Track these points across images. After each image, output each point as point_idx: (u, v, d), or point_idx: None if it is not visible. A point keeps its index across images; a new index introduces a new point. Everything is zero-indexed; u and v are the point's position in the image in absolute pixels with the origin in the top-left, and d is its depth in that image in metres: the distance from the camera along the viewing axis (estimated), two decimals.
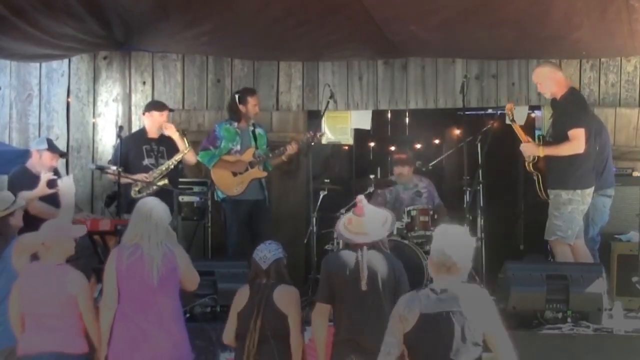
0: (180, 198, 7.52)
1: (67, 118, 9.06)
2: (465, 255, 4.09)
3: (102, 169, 7.91)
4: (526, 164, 7.18)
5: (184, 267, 5.27)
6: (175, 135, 7.87)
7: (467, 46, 8.40)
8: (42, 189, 6.97)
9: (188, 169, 8.42)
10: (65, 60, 9.00)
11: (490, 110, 9.09)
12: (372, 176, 8.17)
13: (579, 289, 6.37)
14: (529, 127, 8.69)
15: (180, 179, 8.17)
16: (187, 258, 5.34)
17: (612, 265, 7.66)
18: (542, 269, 6.56)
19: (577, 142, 6.86)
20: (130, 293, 5.14)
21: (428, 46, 8.50)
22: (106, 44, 8.57)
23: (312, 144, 8.00)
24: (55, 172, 7.31)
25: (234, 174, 7.95)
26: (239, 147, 8.03)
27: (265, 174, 8.07)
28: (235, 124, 8.06)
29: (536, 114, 9.13)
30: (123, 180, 7.57)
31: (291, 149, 7.96)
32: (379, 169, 9.93)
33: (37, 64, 8.98)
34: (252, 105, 8.07)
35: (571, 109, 7.00)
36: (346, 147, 9.78)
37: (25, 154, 7.73)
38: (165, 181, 7.71)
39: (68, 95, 9.08)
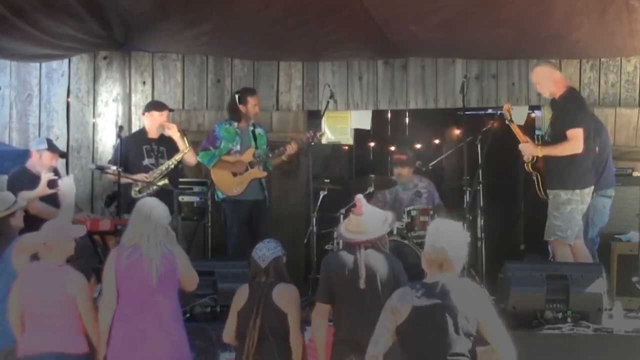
0: (180, 198, 7.52)
1: (67, 118, 9.06)
2: (460, 250, 4.10)
3: (102, 169, 7.90)
4: (525, 164, 7.17)
5: (183, 267, 5.27)
6: (176, 135, 7.87)
7: (467, 46, 8.40)
8: (42, 189, 6.96)
9: (188, 169, 8.42)
10: (65, 60, 9.00)
11: (490, 111, 9.08)
12: (372, 175, 8.16)
13: (579, 289, 6.37)
14: (529, 127, 8.70)
15: (180, 179, 8.16)
16: (186, 258, 5.35)
17: (612, 265, 7.66)
18: (542, 269, 6.56)
19: (575, 142, 6.85)
20: (129, 293, 5.14)
21: (428, 46, 8.50)
22: (106, 44, 8.57)
23: (312, 144, 7.98)
24: (55, 172, 7.30)
25: (234, 174, 7.95)
26: (238, 147, 8.02)
27: (265, 174, 8.06)
28: (235, 124, 8.05)
29: (536, 114, 9.14)
30: (123, 180, 7.57)
31: (291, 149, 7.95)
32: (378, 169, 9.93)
33: (37, 64, 8.98)
34: (252, 105, 8.06)
35: (570, 108, 6.99)
36: (346, 147, 9.75)
37: (25, 154, 7.73)
38: (165, 181, 7.70)
39: (68, 95, 9.07)
